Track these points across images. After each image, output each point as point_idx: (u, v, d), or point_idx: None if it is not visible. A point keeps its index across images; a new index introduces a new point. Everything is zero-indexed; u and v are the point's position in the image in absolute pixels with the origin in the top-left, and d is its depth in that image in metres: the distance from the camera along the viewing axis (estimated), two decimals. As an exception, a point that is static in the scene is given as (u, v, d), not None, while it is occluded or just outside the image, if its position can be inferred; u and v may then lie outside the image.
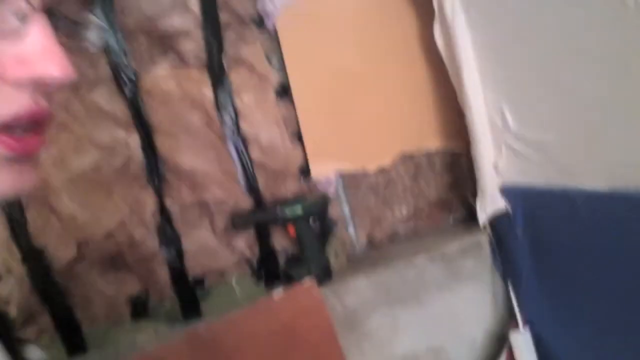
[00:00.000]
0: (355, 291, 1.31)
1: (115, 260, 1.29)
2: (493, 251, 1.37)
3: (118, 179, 1.26)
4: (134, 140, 1.27)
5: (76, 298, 1.28)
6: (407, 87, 1.43)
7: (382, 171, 1.46)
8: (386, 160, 1.45)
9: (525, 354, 1.28)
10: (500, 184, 1.30)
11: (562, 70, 1.09)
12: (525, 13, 1.13)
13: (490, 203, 1.30)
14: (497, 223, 1.34)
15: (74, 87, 1.24)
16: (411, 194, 1.49)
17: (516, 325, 1.32)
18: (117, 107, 1.25)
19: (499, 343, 1.35)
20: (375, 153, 1.44)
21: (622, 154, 1.03)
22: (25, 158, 0.40)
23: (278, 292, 1.25)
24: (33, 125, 0.40)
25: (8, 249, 1.23)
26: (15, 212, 1.22)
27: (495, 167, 1.29)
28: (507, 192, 1.30)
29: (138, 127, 1.27)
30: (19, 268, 1.24)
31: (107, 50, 1.24)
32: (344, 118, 1.41)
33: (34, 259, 1.24)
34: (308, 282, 1.27)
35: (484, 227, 1.36)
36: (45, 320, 1.27)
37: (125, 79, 1.26)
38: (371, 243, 1.48)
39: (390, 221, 1.48)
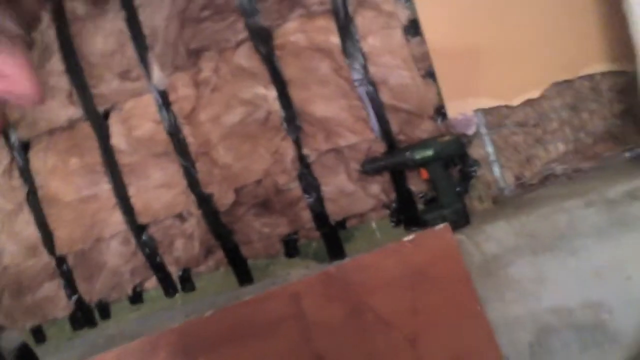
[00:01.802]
0: (495, 237, 1.27)
1: (267, 205, 1.50)
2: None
3: (261, 132, 1.45)
4: (272, 95, 1.42)
5: (240, 237, 1.54)
6: (556, 1, 1.25)
7: (531, 104, 1.33)
8: (535, 92, 1.31)
9: None
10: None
11: None
12: None
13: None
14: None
15: (222, 52, 1.45)
16: (570, 127, 1.33)
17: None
18: (255, 64, 1.42)
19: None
20: (521, 84, 1.31)
21: None
22: None
23: (409, 236, 1.30)
24: None
25: (187, 195, 1.54)
26: (189, 165, 1.51)
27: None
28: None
29: (274, 81, 1.42)
30: (196, 211, 1.54)
31: (242, 11, 1.40)
32: (482, 47, 1.32)
33: (205, 203, 1.52)
34: (441, 227, 1.28)
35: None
36: (220, 255, 1.57)
37: (260, 37, 1.40)
38: (521, 185, 1.38)
39: (543, 160, 1.35)
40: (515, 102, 1.33)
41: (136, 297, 1.67)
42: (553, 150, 1.35)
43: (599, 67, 1.29)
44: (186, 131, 1.49)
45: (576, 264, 1.23)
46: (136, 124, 1.54)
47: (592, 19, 1.26)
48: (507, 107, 1.34)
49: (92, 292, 1.67)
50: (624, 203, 1.20)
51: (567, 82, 1.31)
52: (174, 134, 1.50)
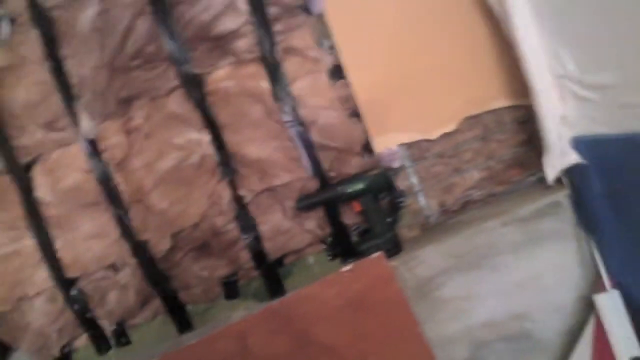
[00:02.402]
0: (426, 261, 1.38)
1: (205, 248, 1.52)
2: (574, 209, 1.32)
3: (197, 175, 1.48)
4: (205, 139, 1.47)
5: (178, 282, 1.54)
6: (465, 45, 1.43)
7: (447, 137, 1.49)
8: (450, 126, 1.47)
9: (615, 318, 1.23)
10: (570, 136, 1.26)
11: (621, 4, 1.03)
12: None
13: (559, 157, 1.26)
14: (574, 178, 1.30)
15: (153, 99, 1.49)
16: (482, 156, 1.49)
17: (604, 288, 1.27)
18: (188, 110, 1.47)
19: (589, 307, 1.31)
20: (438, 119, 1.47)
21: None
22: None
23: (347, 267, 1.37)
24: None
25: (120, 245, 1.52)
26: (122, 213, 1.50)
27: (562, 119, 1.25)
28: (579, 144, 1.25)
29: (207, 126, 1.48)
30: (131, 260, 1.53)
31: (173, 60, 1.46)
32: (403, 88, 1.46)
33: (140, 251, 1.52)
34: (376, 256, 1.37)
35: (559, 184, 1.32)
36: (157, 303, 1.56)
37: (192, 84, 1.47)
38: (444, 211, 1.52)
39: (462, 187, 1.50)
40: (434, 135, 1.48)
41: (65, 359, 1.59)
42: (469, 178, 1.50)
43: (502, 102, 1.47)
44: (118, 179, 1.49)
45: (499, 280, 1.36)
46: (63, 174, 1.52)
47: (496, 61, 1.45)
48: (427, 140, 1.49)
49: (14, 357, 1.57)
50: (535, 220, 1.36)
51: (477, 117, 1.48)
52: (105, 182, 1.50)
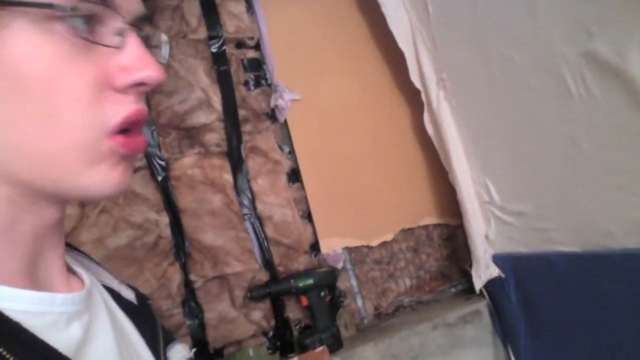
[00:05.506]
0: (365, 358, 1.54)
1: (143, 332, 1.53)
2: (492, 317, 1.61)
3: (149, 255, 1.55)
4: (164, 221, 1.57)
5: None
6: (404, 168, 1.76)
7: (385, 246, 1.74)
8: (388, 236, 1.74)
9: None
10: (492, 253, 1.58)
11: (534, 149, 1.41)
12: (499, 101, 1.47)
13: (484, 271, 1.57)
14: (493, 290, 1.61)
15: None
16: (413, 266, 1.76)
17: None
18: (150, 191, 1.57)
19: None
20: (378, 229, 1.73)
21: (590, 219, 1.32)
22: (131, 156, 0.48)
23: (293, 359, 1.49)
24: (135, 126, 0.47)
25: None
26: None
27: (486, 238, 1.58)
28: (499, 259, 1.57)
29: (167, 209, 1.58)
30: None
31: (143, 143, 1.58)
32: (349, 198, 1.72)
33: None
34: (320, 349, 1.51)
35: (481, 294, 1.61)
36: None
37: (158, 167, 1.59)
38: (378, 314, 1.72)
39: (395, 292, 1.74)
40: (374, 243, 1.73)
41: None
42: (402, 284, 1.75)
43: (431, 220, 1.79)
44: (60, 251, 1.49)
45: (429, 379, 1.56)
46: None
47: (430, 185, 1.79)
48: (367, 246, 1.73)
49: None
50: (459, 326, 1.61)
51: (410, 230, 1.77)
52: (44, 254, 1.49)
